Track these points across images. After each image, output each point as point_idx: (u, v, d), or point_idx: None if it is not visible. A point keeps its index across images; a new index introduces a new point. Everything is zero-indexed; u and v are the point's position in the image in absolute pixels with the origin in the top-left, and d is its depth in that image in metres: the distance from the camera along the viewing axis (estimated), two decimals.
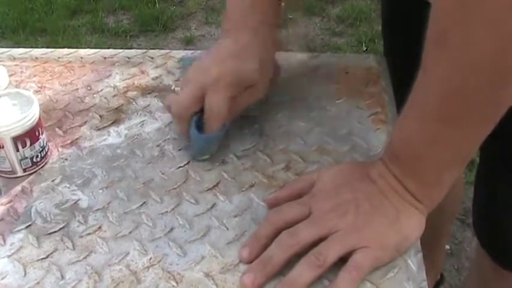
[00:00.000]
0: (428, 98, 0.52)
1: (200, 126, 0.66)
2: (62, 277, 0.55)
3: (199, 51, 0.83)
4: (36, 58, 0.89)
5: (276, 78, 0.73)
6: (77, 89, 0.81)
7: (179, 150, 0.70)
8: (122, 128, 0.74)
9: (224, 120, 0.65)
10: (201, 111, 0.65)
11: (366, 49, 2.43)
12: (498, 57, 0.46)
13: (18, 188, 0.65)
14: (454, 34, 0.47)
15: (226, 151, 0.69)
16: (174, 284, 0.54)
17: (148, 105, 0.77)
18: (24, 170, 0.66)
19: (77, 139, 0.72)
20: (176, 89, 0.67)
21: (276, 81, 0.73)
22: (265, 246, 0.55)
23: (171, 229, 0.59)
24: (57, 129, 0.74)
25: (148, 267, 0.56)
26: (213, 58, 0.68)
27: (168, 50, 0.89)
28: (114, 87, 0.81)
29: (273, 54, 0.71)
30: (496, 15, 0.44)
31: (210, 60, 0.67)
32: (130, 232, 0.59)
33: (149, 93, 0.80)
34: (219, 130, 0.66)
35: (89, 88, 0.81)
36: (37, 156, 0.67)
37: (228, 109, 0.65)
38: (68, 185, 0.65)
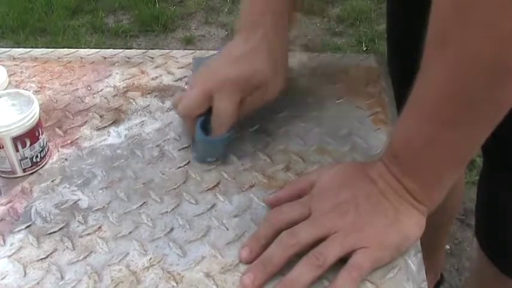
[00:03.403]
0: (427, 98, 0.52)
1: (207, 128, 0.65)
2: (62, 277, 0.55)
3: (211, 52, 0.82)
4: (36, 58, 0.89)
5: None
6: (77, 89, 0.81)
7: (179, 150, 0.70)
8: (122, 128, 0.74)
9: (231, 123, 0.65)
10: (209, 112, 0.65)
11: (366, 49, 2.43)
12: (497, 58, 0.46)
13: (18, 188, 0.65)
14: (452, 35, 0.47)
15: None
16: (174, 284, 0.54)
17: (148, 105, 0.77)
18: (24, 170, 0.66)
19: (77, 139, 0.72)
20: (187, 87, 0.67)
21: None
22: (265, 247, 0.55)
23: (171, 229, 0.59)
24: (57, 129, 0.74)
25: (148, 268, 0.56)
26: (222, 59, 0.67)
27: (168, 50, 0.89)
28: (114, 87, 0.81)
29: (284, 55, 0.69)
30: (493, 16, 0.44)
31: (219, 61, 0.67)
32: (130, 232, 0.59)
33: (149, 93, 0.80)
34: (226, 133, 0.65)
35: (89, 88, 0.81)
36: (37, 157, 0.67)
37: (235, 113, 0.64)
38: (67, 185, 0.65)
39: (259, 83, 0.65)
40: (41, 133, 0.66)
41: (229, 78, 0.64)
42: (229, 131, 0.65)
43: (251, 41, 0.66)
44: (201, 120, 0.65)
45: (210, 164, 0.67)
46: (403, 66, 0.82)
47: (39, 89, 0.82)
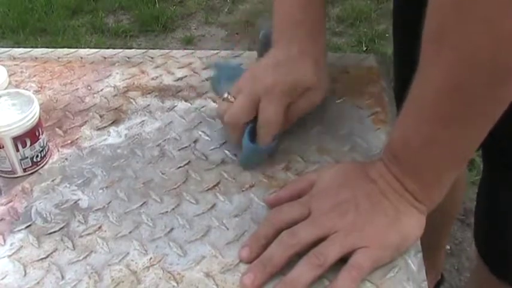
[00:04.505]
0: (425, 97, 0.52)
1: (253, 135, 0.64)
2: (62, 277, 0.55)
3: (233, 62, 0.82)
4: (36, 58, 0.89)
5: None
6: (77, 89, 0.81)
7: (179, 150, 0.70)
8: (122, 128, 0.74)
9: (278, 130, 0.64)
10: (254, 119, 0.64)
11: (366, 49, 2.43)
12: (494, 55, 0.46)
13: (18, 188, 0.65)
14: (450, 32, 0.47)
15: (226, 151, 0.69)
16: (174, 284, 0.54)
17: (148, 105, 0.77)
18: (24, 170, 0.66)
19: (77, 139, 0.72)
20: (229, 97, 0.66)
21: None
22: (265, 246, 0.55)
23: (171, 229, 0.59)
24: (57, 129, 0.74)
25: (148, 267, 0.56)
26: (265, 67, 0.66)
27: (168, 50, 0.89)
28: (114, 87, 0.81)
29: (324, 61, 0.69)
30: (491, 12, 0.44)
31: (262, 69, 0.66)
32: (130, 232, 0.59)
33: (149, 93, 0.80)
34: (273, 141, 0.65)
35: (89, 88, 0.81)
36: (37, 156, 0.67)
37: (282, 119, 0.64)
38: (68, 185, 0.65)
39: (305, 89, 0.65)
40: (41, 133, 0.66)
41: (276, 85, 0.63)
42: (274, 139, 0.65)
43: (292, 50, 0.66)
44: (249, 128, 0.64)
45: (210, 163, 0.67)
46: (406, 65, 0.82)
47: (39, 88, 0.82)
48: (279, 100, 0.63)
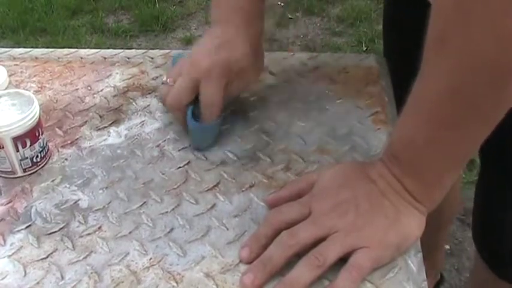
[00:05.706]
0: (427, 98, 0.52)
1: (197, 116, 0.68)
2: (62, 277, 0.55)
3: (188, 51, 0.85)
4: (36, 58, 0.89)
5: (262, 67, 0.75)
6: (77, 89, 0.81)
7: (179, 150, 0.70)
8: (122, 128, 0.74)
9: (219, 108, 0.67)
10: (196, 102, 0.67)
11: (366, 49, 2.43)
12: (497, 58, 0.46)
13: (18, 188, 0.65)
14: (452, 35, 0.47)
15: (226, 151, 0.69)
16: (174, 284, 0.54)
17: (148, 105, 0.77)
18: (24, 170, 0.66)
19: (77, 139, 0.72)
20: (168, 80, 0.69)
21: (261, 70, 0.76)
22: (265, 247, 0.55)
23: (171, 229, 0.59)
24: (57, 129, 0.74)
25: (148, 268, 0.56)
26: (203, 49, 0.69)
27: (168, 50, 0.89)
28: (114, 87, 0.81)
29: (259, 45, 0.72)
30: (494, 16, 0.44)
31: (200, 51, 0.69)
32: (130, 232, 0.59)
33: (149, 93, 0.80)
34: (216, 119, 0.68)
35: (89, 88, 0.81)
36: (37, 157, 0.67)
37: (222, 98, 0.67)
38: (68, 185, 0.65)
39: (241, 68, 0.68)
40: (41, 133, 0.66)
41: (213, 67, 0.66)
42: (218, 117, 0.68)
43: (227, 33, 0.69)
44: (191, 109, 0.67)
45: (210, 163, 0.67)
46: (397, 66, 0.82)
47: (40, 89, 0.82)
48: (217, 81, 0.66)
